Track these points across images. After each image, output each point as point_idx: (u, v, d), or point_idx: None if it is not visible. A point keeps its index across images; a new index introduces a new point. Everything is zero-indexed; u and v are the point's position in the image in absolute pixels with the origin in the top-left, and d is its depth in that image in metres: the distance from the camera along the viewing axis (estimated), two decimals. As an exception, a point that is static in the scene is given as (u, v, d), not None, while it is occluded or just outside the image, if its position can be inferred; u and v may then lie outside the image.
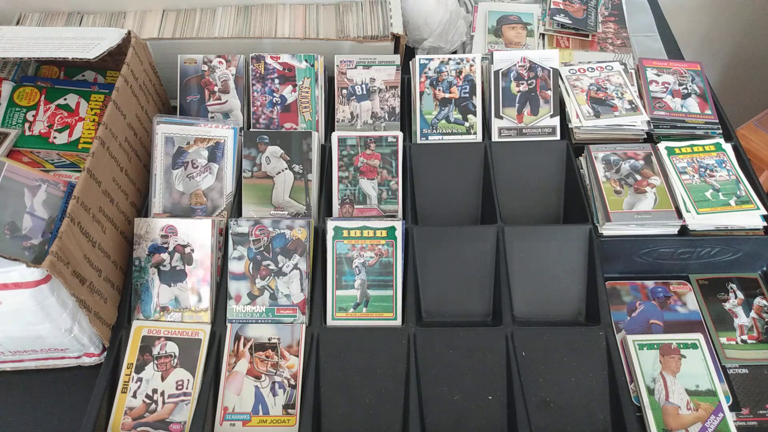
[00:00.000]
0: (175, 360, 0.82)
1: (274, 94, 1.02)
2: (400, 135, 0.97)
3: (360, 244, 0.87)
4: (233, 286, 0.86)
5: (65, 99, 0.97)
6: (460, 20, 1.22)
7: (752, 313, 0.90)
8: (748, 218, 0.90)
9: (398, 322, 0.85)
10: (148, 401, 0.80)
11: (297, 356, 0.82)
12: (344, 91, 1.03)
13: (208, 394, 0.79)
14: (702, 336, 0.85)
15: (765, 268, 0.94)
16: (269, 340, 0.83)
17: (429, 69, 1.03)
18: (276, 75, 1.02)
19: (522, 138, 1.01)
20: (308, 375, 0.80)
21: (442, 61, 1.03)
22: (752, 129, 1.41)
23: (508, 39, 1.21)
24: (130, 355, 0.82)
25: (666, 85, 1.06)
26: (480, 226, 0.96)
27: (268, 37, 1.08)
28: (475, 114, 1.02)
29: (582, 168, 0.99)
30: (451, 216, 1.00)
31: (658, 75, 1.08)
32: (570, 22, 1.20)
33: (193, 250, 0.86)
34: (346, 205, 0.95)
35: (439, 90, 1.03)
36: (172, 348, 0.83)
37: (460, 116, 1.02)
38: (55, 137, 0.94)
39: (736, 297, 0.92)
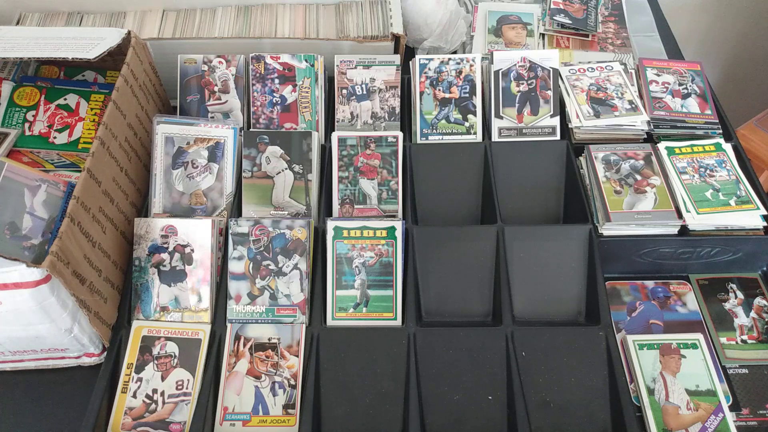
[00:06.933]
0: (175, 360, 0.82)
1: (274, 94, 1.02)
2: (400, 135, 0.97)
3: (360, 244, 0.87)
4: (233, 286, 0.86)
5: (65, 99, 0.97)
6: (460, 20, 1.22)
7: (752, 313, 0.90)
8: (748, 218, 0.90)
9: (398, 322, 0.85)
10: (148, 401, 0.80)
11: (297, 356, 0.82)
12: (344, 91, 1.03)
13: (208, 394, 0.79)
14: (702, 336, 0.85)
15: (765, 268, 0.94)
16: (269, 340, 0.83)
17: (429, 69, 1.03)
18: (276, 75, 1.02)
19: (522, 138, 1.01)
20: (308, 375, 0.80)
21: (442, 61, 1.03)
22: (752, 129, 1.41)
23: (508, 39, 1.21)
24: (130, 355, 0.82)
25: (666, 85, 1.06)
26: (480, 226, 0.96)
27: (268, 37, 1.08)
28: (475, 114, 1.02)
29: (582, 168, 0.99)
30: (451, 216, 1.00)
31: (658, 75, 1.08)
32: (570, 22, 1.20)
33: (193, 250, 0.86)
34: (346, 205, 0.95)
35: (439, 90, 1.03)
36: (172, 348, 0.83)
37: (460, 116, 1.02)
38: (55, 137, 0.94)
39: (736, 297, 0.92)
